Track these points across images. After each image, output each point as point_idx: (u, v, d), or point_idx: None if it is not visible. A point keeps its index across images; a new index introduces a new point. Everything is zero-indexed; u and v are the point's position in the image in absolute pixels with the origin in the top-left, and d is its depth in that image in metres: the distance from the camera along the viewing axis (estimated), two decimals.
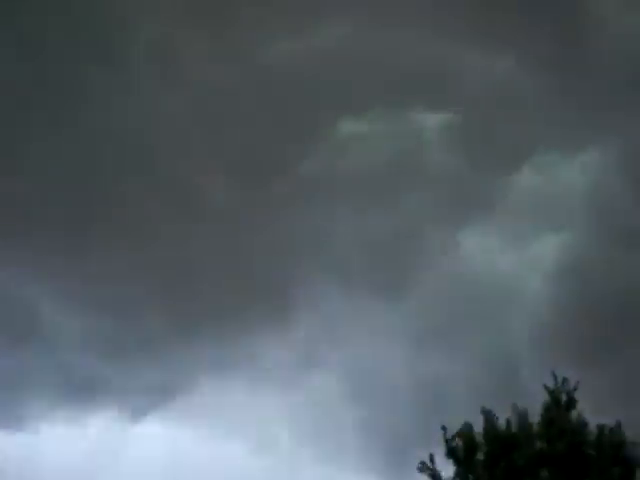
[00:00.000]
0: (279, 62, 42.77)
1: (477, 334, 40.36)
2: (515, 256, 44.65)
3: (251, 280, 41.31)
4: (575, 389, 25.10)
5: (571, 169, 44.56)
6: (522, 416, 25.12)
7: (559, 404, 25.25)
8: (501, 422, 25.32)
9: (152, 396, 41.02)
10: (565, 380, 25.03)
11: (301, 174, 43.17)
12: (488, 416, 25.48)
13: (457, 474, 25.37)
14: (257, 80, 42.85)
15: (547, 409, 25.03)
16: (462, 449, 25.37)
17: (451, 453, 25.50)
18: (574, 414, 25.34)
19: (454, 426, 25.57)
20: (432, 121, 45.42)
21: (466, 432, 25.40)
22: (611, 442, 24.91)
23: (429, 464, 25.37)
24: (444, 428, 25.42)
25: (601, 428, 25.00)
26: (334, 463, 38.52)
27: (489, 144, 44.86)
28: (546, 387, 25.08)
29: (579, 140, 44.25)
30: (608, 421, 24.98)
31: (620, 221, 42.59)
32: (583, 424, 25.18)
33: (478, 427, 25.26)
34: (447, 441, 25.42)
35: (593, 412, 25.87)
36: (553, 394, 25.18)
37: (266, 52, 42.95)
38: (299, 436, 39.87)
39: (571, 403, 25.28)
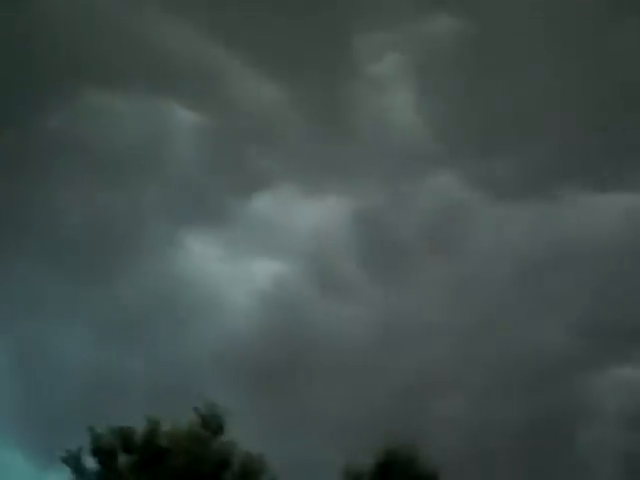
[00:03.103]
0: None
1: (171, 335, 40.59)
2: (232, 272, 45.53)
3: None
4: (224, 417, 25.85)
5: (308, 208, 46.11)
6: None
7: (208, 427, 25.88)
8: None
9: None
10: (215, 406, 25.72)
11: (37, 132, 41.92)
12: (151, 423, 25.79)
13: (100, 473, 25.56)
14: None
15: (194, 430, 25.61)
16: (108, 450, 25.62)
17: (96, 452, 25.64)
18: (222, 439, 26.04)
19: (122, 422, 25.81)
20: (188, 119, 45.56)
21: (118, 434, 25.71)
22: (254, 470, 25.92)
23: (75, 456, 25.52)
24: (91, 429, 25.55)
25: (249, 456, 25.91)
26: None
27: (238, 161, 45.50)
28: (196, 409, 25.66)
29: (322, 181, 45.98)
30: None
31: (334, 269, 44.59)
32: (229, 450, 25.96)
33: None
34: (94, 439, 25.58)
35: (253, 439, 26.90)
36: (203, 417, 25.78)
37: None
38: None
39: (219, 429, 25.97)
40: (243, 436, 26.29)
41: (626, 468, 37.05)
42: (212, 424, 25.73)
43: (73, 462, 25.49)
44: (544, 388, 39.37)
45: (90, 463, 25.61)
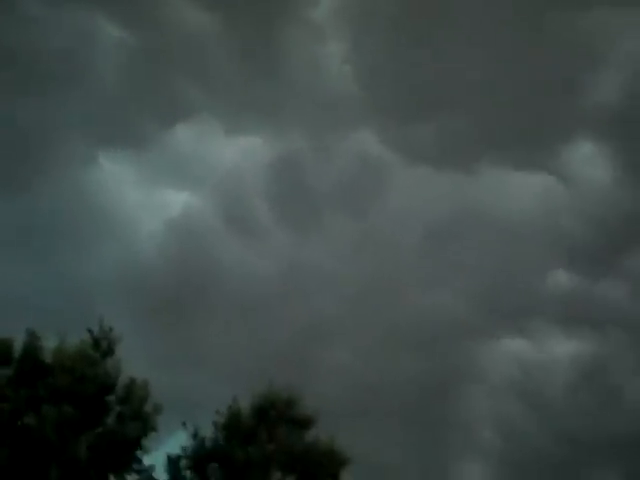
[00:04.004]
0: None
1: (75, 254, 40.24)
2: (143, 197, 45.36)
3: None
4: (117, 341, 25.96)
5: (228, 145, 45.92)
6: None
7: (99, 349, 25.91)
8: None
9: None
10: (111, 329, 25.78)
11: None
12: (32, 337, 25.64)
13: None
14: None
15: (83, 349, 25.61)
16: None
17: None
18: (110, 362, 26.10)
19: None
20: (115, 36, 44.62)
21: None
22: (138, 396, 26.06)
23: None
24: None
25: (132, 380, 26.04)
26: None
27: (163, 88, 44.93)
28: (89, 330, 25.64)
29: (246, 120, 45.73)
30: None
31: (245, 209, 44.79)
32: (115, 374, 26.05)
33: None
34: None
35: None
36: (95, 339, 25.81)
37: None
38: None
39: (110, 352, 26.04)
40: (133, 362, 26.43)
41: (502, 433, 38.94)
42: (103, 346, 25.71)
43: None
44: (435, 350, 40.47)
45: None
